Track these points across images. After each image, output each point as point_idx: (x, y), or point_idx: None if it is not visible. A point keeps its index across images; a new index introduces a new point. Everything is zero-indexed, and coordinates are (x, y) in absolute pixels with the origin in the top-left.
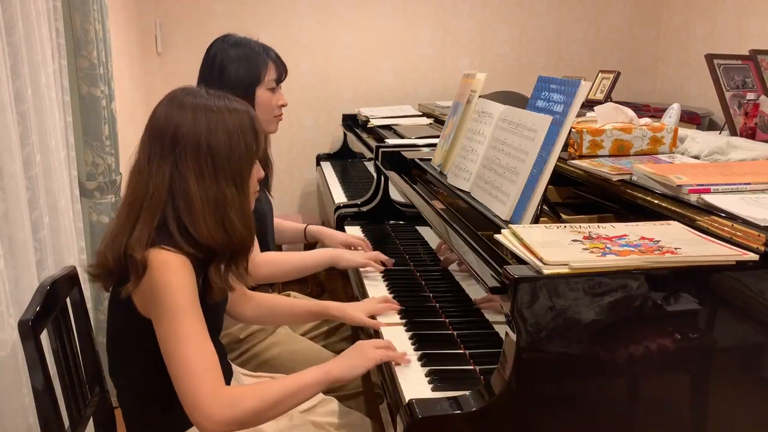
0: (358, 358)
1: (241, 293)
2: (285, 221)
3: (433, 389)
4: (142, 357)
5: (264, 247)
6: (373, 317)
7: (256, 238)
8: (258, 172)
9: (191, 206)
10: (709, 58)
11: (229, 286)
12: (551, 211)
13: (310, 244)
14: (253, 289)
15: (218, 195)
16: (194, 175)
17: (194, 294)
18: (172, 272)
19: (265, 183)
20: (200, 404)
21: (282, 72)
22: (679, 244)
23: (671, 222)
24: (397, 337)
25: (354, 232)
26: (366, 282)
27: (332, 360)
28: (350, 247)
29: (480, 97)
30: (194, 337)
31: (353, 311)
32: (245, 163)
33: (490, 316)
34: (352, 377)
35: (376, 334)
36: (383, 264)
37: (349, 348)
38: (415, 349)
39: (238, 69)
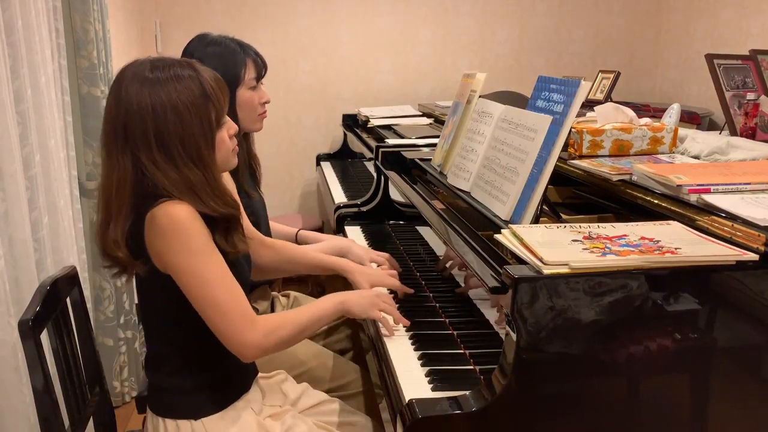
0: (367, 303)
1: (259, 242)
2: (276, 224)
3: (433, 389)
4: (172, 323)
5: None
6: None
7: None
8: (229, 128)
9: (162, 191)
10: (709, 58)
11: (236, 249)
12: (551, 211)
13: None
14: (253, 285)
15: (183, 179)
16: (153, 164)
17: (208, 236)
18: (181, 219)
19: (255, 181)
20: (239, 338)
21: (261, 68)
22: (679, 244)
23: (671, 222)
24: (397, 336)
25: (354, 232)
26: None
27: (347, 292)
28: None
29: (480, 97)
30: (220, 278)
31: (360, 278)
32: (201, 139)
33: (485, 311)
34: (355, 315)
35: (376, 332)
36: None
37: (366, 290)
38: (415, 349)
39: (215, 70)
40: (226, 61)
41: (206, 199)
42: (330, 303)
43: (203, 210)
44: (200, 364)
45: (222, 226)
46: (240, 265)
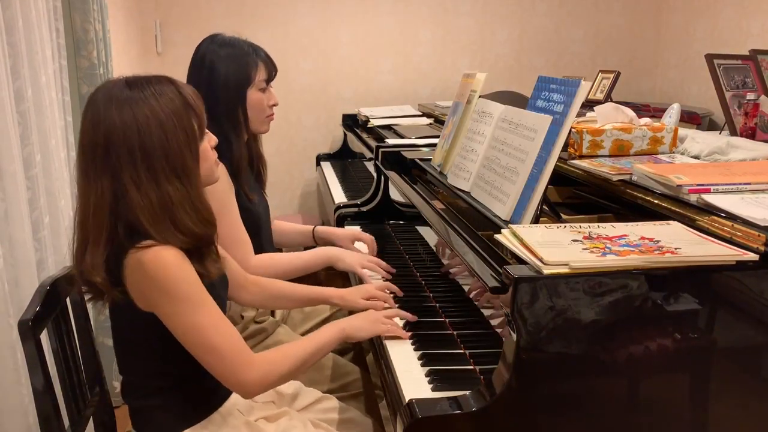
0: (368, 323)
1: (244, 279)
2: (287, 223)
3: (433, 389)
4: (149, 353)
5: (258, 250)
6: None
7: (249, 240)
8: (210, 140)
9: (138, 217)
10: (709, 58)
11: (209, 273)
12: (551, 211)
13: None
14: None
15: (162, 197)
16: (133, 184)
17: (198, 280)
18: (171, 266)
19: (260, 183)
20: (240, 380)
21: (272, 71)
22: (679, 244)
23: (671, 222)
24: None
25: None
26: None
27: (345, 319)
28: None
29: (480, 97)
30: (213, 322)
31: (353, 298)
32: (186, 150)
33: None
34: (360, 338)
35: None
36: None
37: (363, 312)
38: (415, 349)
39: (228, 70)
40: (239, 62)
41: (182, 217)
42: (330, 332)
43: (176, 237)
44: (181, 384)
45: (195, 253)
46: (215, 287)
